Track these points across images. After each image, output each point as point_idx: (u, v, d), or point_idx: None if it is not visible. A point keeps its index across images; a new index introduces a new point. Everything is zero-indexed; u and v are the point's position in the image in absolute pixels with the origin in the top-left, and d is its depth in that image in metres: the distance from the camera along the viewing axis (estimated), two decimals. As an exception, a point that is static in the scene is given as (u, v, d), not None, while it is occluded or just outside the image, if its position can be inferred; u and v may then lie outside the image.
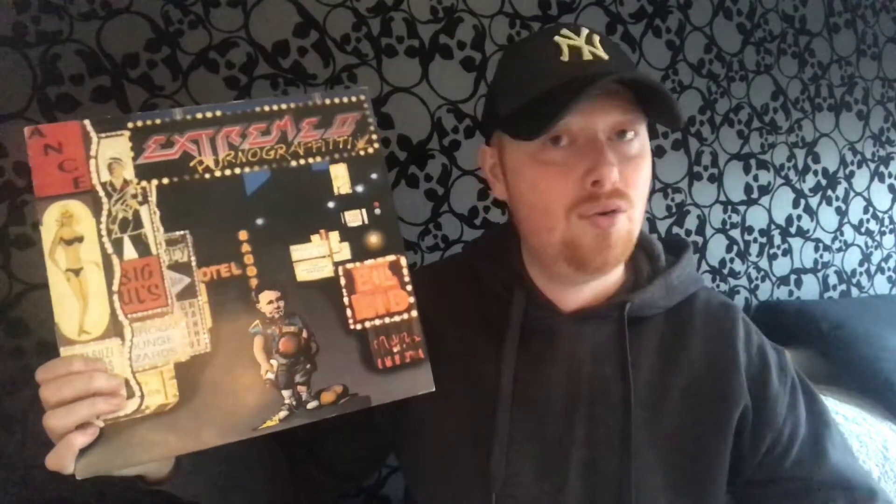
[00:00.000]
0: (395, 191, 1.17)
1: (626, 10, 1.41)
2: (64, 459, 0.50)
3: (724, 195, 1.56)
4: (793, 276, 1.67)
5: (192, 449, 0.54)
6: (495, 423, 0.66)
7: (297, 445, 0.74)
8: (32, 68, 0.92)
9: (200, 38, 1.03)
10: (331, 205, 0.60)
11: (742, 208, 1.59)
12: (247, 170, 0.59)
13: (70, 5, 0.94)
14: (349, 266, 0.59)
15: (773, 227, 1.63)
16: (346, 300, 0.59)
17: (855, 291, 1.77)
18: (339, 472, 0.77)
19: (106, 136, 0.57)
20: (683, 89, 1.49)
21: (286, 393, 0.56)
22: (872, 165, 1.80)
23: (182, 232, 0.57)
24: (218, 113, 0.59)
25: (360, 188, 0.61)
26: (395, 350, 0.59)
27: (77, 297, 0.54)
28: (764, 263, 1.62)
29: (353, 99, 0.62)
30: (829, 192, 1.72)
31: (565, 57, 0.61)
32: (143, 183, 0.57)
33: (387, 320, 0.59)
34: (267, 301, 0.57)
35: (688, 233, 1.51)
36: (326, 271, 0.59)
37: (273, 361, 0.56)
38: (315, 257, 0.59)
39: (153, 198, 0.57)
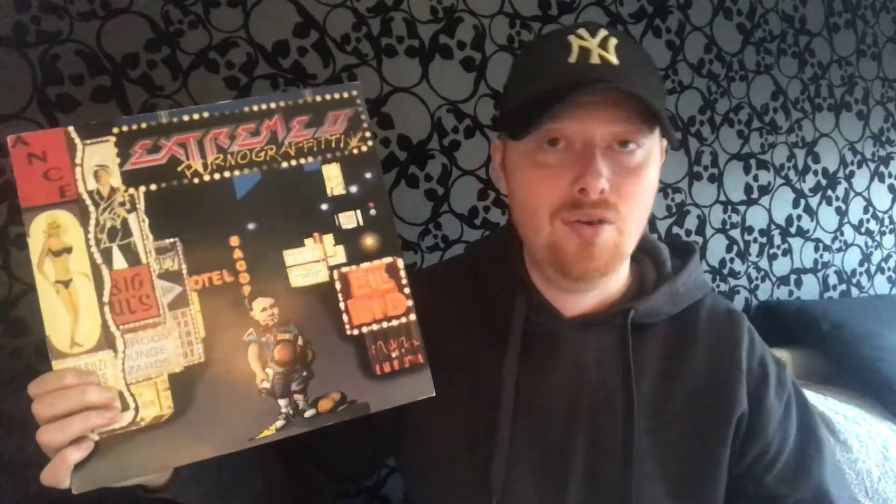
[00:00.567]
0: (395, 191, 1.17)
1: (626, 9, 1.41)
2: (59, 475, 0.49)
3: (724, 195, 1.55)
4: (793, 276, 1.67)
5: (189, 461, 0.53)
6: (496, 431, 0.66)
7: (297, 447, 0.73)
8: (32, 68, 0.91)
9: (200, 38, 1.02)
10: (324, 207, 0.58)
11: (742, 208, 1.58)
12: (236, 173, 0.57)
13: (70, 5, 0.94)
14: (345, 270, 0.57)
15: (773, 227, 1.63)
16: (342, 305, 0.57)
17: (855, 291, 1.77)
18: (339, 474, 0.76)
19: (91, 142, 0.55)
20: (683, 89, 1.49)
21: (283, 402, 0.55)
22: (872, 165, 1.80)
23: (172, 240, 0.55)
24: (205, 114, 0.57)
25: (354, 189, 0.58)
26: (393, 355, 0.57)
27: (67, 309, 0.53)
28: (764, 263, 1.62)
29: (345, 95, 0.59)
30: (829, 192, 1.72)
31: (573, 58, 0.60)
32: (131, 190, 0.55)
33: (384, 325, 0.57)
34: (261, 308, 0.56)
35: (688, 233, 1.51)
36: (321, 276, 0.57)
37: (269, 370, 0.55)
38: (309, 262, 0.57)
39: (141, 205, 0.55)
